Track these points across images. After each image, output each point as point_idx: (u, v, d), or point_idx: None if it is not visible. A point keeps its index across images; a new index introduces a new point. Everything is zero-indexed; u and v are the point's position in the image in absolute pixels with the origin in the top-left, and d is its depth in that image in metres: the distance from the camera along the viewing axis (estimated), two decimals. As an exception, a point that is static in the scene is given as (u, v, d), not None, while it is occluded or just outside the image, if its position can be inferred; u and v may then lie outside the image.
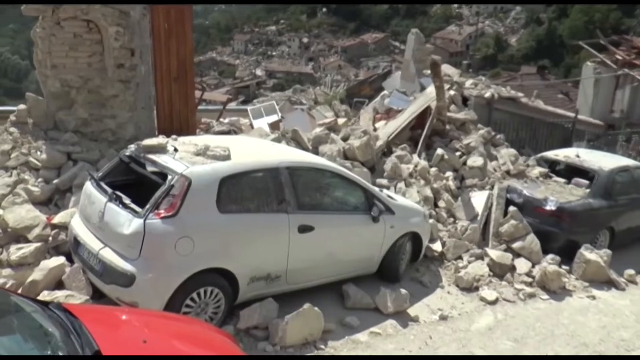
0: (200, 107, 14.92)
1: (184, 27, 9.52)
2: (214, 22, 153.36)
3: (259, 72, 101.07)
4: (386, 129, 10.96)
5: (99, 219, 5.81)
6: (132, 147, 6.48)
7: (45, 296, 5.76)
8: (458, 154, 10.86)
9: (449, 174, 10.31)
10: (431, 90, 11.59)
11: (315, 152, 9.62)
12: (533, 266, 8.68)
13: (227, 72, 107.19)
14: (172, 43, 9.40)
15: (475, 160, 10.60)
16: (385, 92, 14.08)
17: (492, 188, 10.03)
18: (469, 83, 14.07)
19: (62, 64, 8.43)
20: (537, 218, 9.39)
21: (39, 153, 7.94)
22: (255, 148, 7.15)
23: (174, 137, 6.82)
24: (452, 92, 12.71)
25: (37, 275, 6.03)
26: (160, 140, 6.44)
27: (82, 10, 8.25)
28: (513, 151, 11.62)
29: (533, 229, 9.11)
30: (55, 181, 7.64)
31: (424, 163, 10.16)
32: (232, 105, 34.36)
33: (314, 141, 9.90)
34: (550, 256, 8.94)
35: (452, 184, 10.04)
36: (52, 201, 7.53)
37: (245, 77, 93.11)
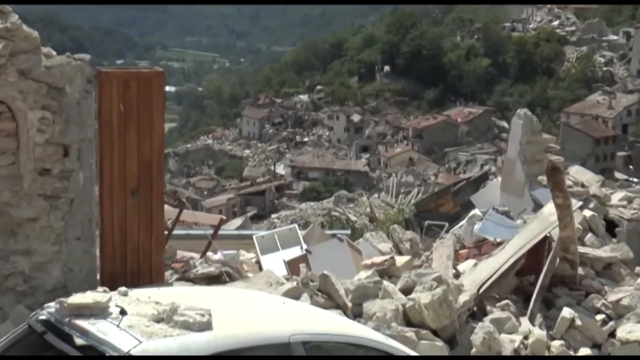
0: (177, 231, 15.14)
1: (149, 109, 9.77)
2: (212, 88, 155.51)
3: (280, 169, 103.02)
4: (475, 274, 10.99)
5: None
6: (51, 307, 6.52)
7: None
8: (600, 317, 10.72)
9: (585, 351, 10.15)
10: (550, 210, 11.64)
11: (358, 311, 9.64)
12: None
13: (229, 168, 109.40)
14: (130, 135, 9.65)
15: (632, 330, 10.39)
16: (476, 210, 14.22)
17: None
18: (617, 197, 14.09)
19: (-52, 169, 8.75)
20: None
21: None
22: (254, 309, 7.14)
23: (122, 289, 6.86)
24: (587, 213, 12.73)
25: None
26: (97, 295, 6.47)
27: (-12, 85, 8.62)
28: (702, 315, 11.39)
29: None
30: None
31: (539, 332, 10.07)
32: (233, 224, 34.88)
33: (355, 294, 9.89)
34: None
35: (590, 369, 9.88)
36: None
37: (259, 178, 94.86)
